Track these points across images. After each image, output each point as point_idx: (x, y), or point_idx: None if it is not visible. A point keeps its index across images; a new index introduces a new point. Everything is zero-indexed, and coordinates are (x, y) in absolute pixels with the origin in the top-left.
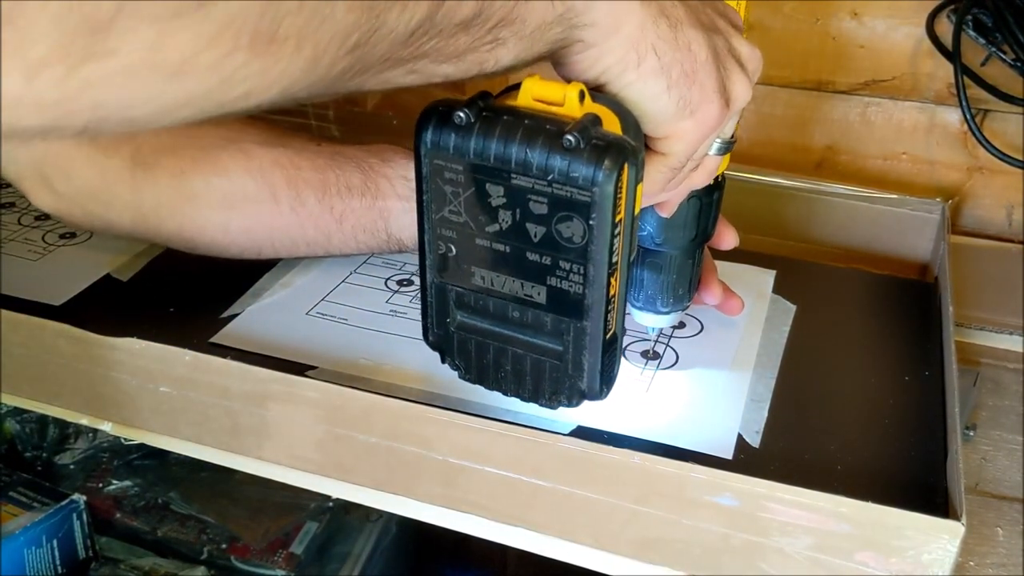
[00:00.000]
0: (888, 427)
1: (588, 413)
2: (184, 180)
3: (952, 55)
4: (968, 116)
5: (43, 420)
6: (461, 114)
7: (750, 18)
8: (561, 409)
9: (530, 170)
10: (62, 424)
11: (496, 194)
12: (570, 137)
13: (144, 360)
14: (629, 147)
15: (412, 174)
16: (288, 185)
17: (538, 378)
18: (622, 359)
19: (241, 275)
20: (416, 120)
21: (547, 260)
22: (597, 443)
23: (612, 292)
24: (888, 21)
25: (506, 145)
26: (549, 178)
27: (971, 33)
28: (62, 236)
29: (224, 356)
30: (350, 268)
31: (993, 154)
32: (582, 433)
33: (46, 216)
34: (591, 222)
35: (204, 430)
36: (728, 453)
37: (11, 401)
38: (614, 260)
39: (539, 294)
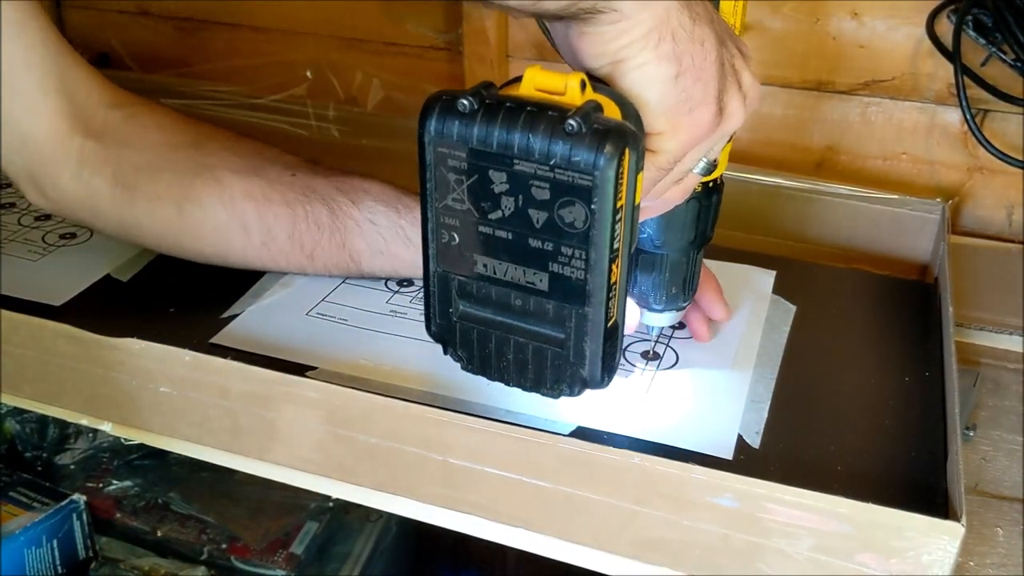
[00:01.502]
0: (888, 427)
1: (588, 413)
2: (159, 204)
3: (952, 55)
4: (968, 116)
5: (43, 420)
6: (465, 101)
7: (747, 20)
8: (563, 399)
9: (532, 155)
10: (62, 424)
11: (499, 180)
12: (572, 122)
13: (144, 360)
14: (630, 132)
15: (379, 218)
16: (258, 218)
17: (540, 367)
18: (623, 360)
19: (241, 275)
20: (420, 110)
21: (549, 246)
22: (597, 443)
23: (613, 279)
24: (888, 21)
25: (509, 131)
26: (551, 163)
27: (971, 33)
28: (62, 236)
29: (224, 356)
30: (347, 278)
31: (993, 154)
32: (582, 433)
33: (46, 216)
34: (593, 207)
35: (204, 430)
36: (728, 454)
37: (11, 401)
38: (615, 246)
39: (541, 281)
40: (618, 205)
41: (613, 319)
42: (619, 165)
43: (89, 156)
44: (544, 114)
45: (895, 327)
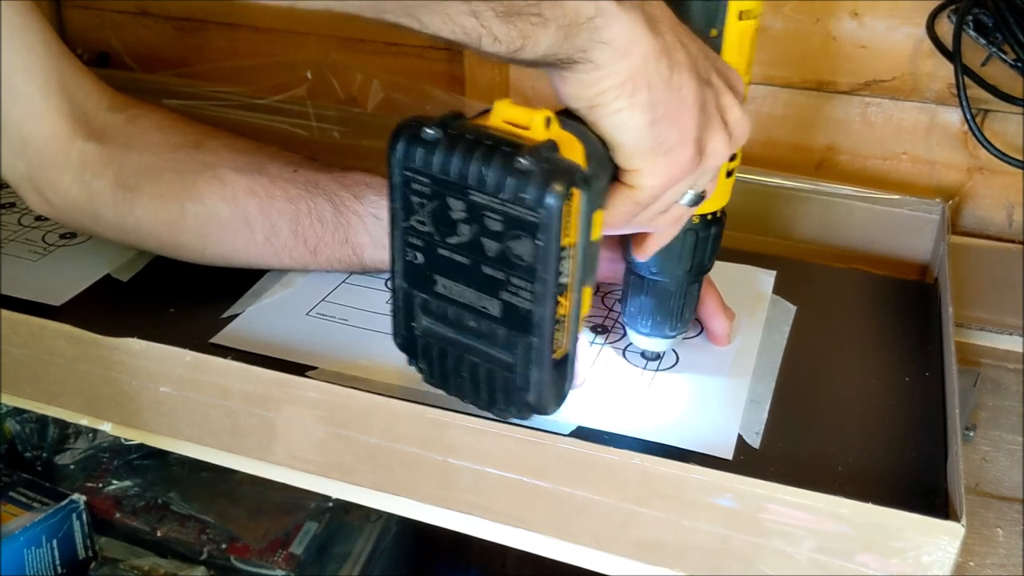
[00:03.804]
0: (888, 428)
1: (588, 413)
2: (162, 204)
3: (952, 55)
4: (968, 116)
5: (43, 420)
6: (430, 130)
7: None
8: (512, 420)
9: (486, 188)
10: (62, 424)
11: (457, 208)
12: (522, 160)
13: (144, 360)
14: (579, 173)
15: (382, 212)
16: (262, 215)
17: (492, 387)
18: (623, 360)
19: (241, 275)
20: (390, 134)
21: (500, 275)
22: (597, 443)
23: (562, 312)
24: (888, 21)
25: (465, 162)
26: (502, 196)
27: (971, 33)
28: (62, 236)
29: (224, 356)
30: (350, 273)
31: (993, 154)
32: (582, 433)
33: (46, 217)
34: (538, 242)
35: (204, 430)
36: (728, 454)
37: (11, 401)
38: (562, 281)
39: (493, 307)
40: (564, 243)
41: (563, 351)
42: (565, 203)
43: (91, 159)
44: (499, 149)
45: (895, 327)
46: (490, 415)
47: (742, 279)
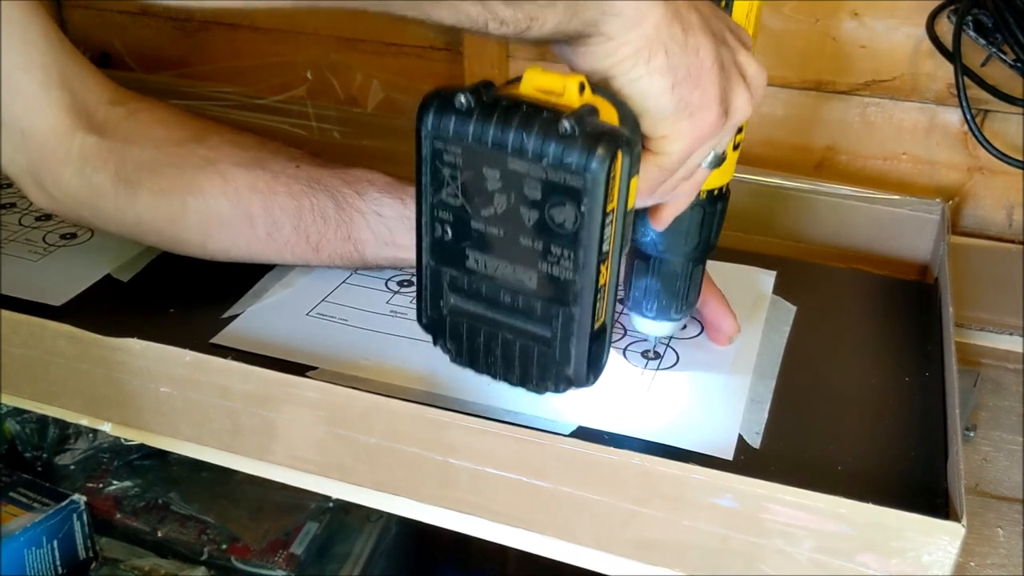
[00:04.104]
0: (888, 428)
1: (588, 413)
2: (163, 199)
3: (952, 55)
4: (968, 116)
5: (43, 420)
6: (463, 98)
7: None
8: (566, 397)
9: (526, 155)
10: (62, 424)
11: (492, 178)
12: (566, 124)
13: (145, 360)
14: (623, 137)
15: (385, 209)
16: (264, 210)
17: (526, 363)
18: (623, 360)
19: (242, 275)
20: (418, 105)
21: (539, 245)
22: (597, 444)
23: (602, 281)
24: (888, 21)
25: (504, 130)
26: (544, 163)
27: (971, 34)
28: (63, 237)
29: (225, 356)
30: (350, 269)
31: (993, 154)
32: (582, 434)
33: (47, 217)
34: (583, 208)
35: (204, 431)
36: (728, 454)
37: (11, 401)
38: (604, 248)
39: (530, 279)
40: (608, 208)
41: (601, 320)
42: (610, 168)
43: (91, 152)
44: (539, 115)
45: (895, 327)
46: (494, 419)
47: (742, 279)
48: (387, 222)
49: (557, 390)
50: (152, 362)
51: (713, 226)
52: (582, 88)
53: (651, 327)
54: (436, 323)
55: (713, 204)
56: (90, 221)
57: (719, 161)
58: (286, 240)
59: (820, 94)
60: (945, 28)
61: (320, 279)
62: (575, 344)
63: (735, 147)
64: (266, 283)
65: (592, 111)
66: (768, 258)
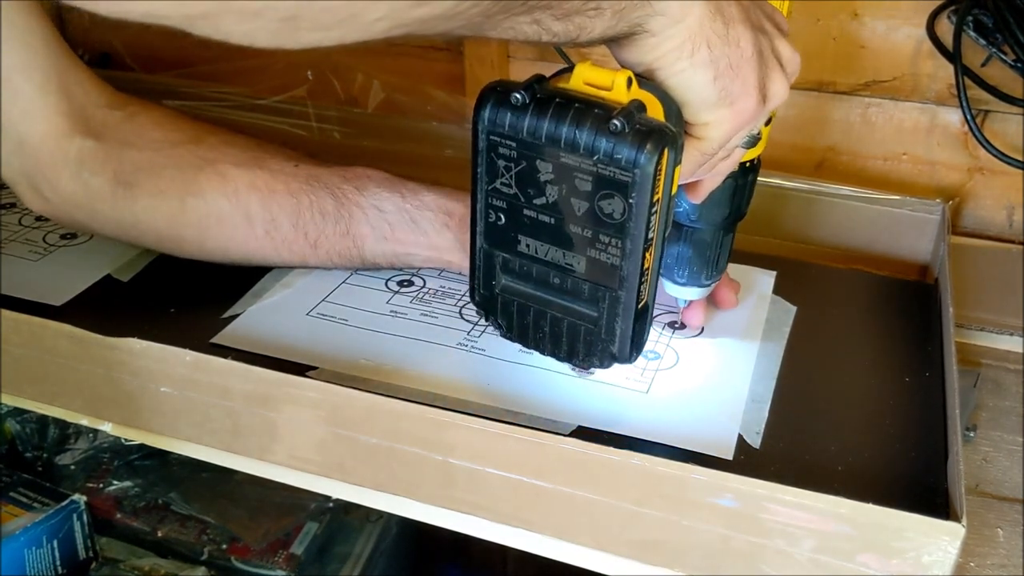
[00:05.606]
0: (888, 428)
1: (588, 413)
2: (162, 200)
3: (953, 56)
4: (969, 117)
5: (43, 420)
6: (518, 95)
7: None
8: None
9: (578, 150)
10: (62, 424)
11: (545, 170)
12: (616, 121)
13: (145, 360)
14: (670, 133)
15: (384, 203)
16: (263, 208)
17: (573, 341)
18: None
19: (242, 275)
20: (476, 98)
21: (588, 233)
22: (597, 444)
23: (646, 265)
24: (888, 22)
25: (557, 126)
26: (594, 158)
27: (972, 34)
28: (63, 237)
29: (225, 356)
30: (348, 267)
31: (994, 155)
32: (582, 434)
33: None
34: (631, 200)
35: (205, 430)
36: (728, 454)
37: (11, 401)
38: (650, 236)
39: (579, 263)
40: (655, 199)
41: (644, 301)
42: (658, 163)
43: (89, 156)
44: (591, 112)
45: (895, 327)
46: (494, 419)
47: (742, 279)
48: (386, 216)
49: (602, 365)
50: (152, 362)
51: (744, 196)
52: (630, 83)
53: (681, 291)
54: (488, 301)
55: (745, 176)
56: (86, 224)
57: (755, 141)
58: (284, 237)
59: (820, 94)
60: (945, 28)
61: (320, 279)
62: (620, 324)
63: (767, 122)
64: (266, 283)
65: (640, 107)
66: (768, 258)
